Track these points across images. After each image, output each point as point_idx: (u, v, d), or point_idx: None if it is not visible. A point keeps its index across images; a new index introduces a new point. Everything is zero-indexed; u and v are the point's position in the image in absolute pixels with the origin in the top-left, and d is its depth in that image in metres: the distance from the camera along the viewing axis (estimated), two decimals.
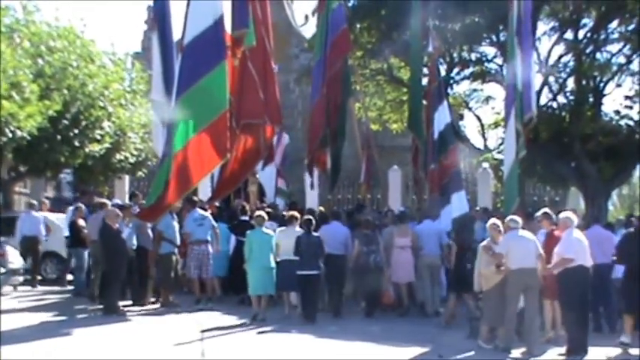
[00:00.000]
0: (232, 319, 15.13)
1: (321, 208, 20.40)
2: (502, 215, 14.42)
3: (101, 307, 15.53)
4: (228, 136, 16.13)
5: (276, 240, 15.51)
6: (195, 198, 17.98)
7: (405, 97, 23.81)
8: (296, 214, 16.12)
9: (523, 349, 12.17)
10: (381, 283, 16.26)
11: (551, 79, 24.13)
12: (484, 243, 12.85)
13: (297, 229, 15.52)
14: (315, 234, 15.46)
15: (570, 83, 25.03)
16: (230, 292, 17.69)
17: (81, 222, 18.07)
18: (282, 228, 15.96)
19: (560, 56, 24.85)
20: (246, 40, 17.75)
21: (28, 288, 18.99)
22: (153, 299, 16.83)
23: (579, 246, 12.27)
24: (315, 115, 20.01)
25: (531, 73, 16.40)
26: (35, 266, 20.14)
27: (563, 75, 24.92)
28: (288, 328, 14.14)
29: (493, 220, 13.29)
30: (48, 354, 11.35)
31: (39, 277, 20.65)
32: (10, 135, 19.66)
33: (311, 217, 16.01)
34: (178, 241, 16.89)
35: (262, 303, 15.26)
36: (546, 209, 14.08)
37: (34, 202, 22.51)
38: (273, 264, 15.36)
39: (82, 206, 18.94)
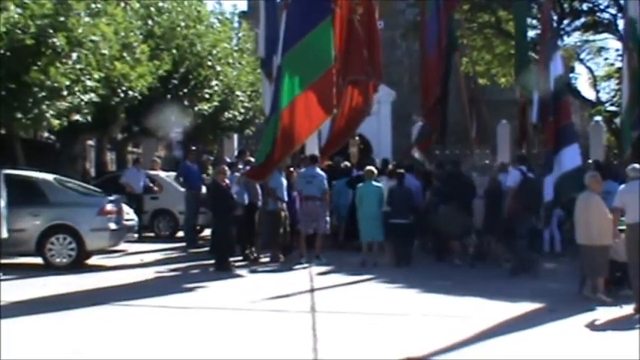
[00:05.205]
0: (342, 269, 15.64)
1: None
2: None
3: (212, 262, 15.83)
4: (334, 93, 16.07)
5: None
6: (316, 155, 18.16)
7: (513, 51, 23.28)
8: (397, 169, 17.26)
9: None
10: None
11: None
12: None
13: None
14: (406, 185, 16.50)
15: None
16: (350, 240, 18.37)
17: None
18: (383, 182, 16.88)
19: None
20: None
21: (143, 244, 19.41)
22: (262, 255, 17.05)
23: None
24: (431, 71, 19.85)
25: None
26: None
27: None
28: (397, 280, 14.23)
29: (592, 172, 12.94)
30: (165, 304, 11.68)
31: (152, 234, 21.23)
32: (123, 95, 20.10)
33: (403, 170, 17.07)
34: (286, 198, 17.04)
35: (373, 249, 16.40)
36: None
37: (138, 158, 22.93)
38: (381, 213, 16.23)
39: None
